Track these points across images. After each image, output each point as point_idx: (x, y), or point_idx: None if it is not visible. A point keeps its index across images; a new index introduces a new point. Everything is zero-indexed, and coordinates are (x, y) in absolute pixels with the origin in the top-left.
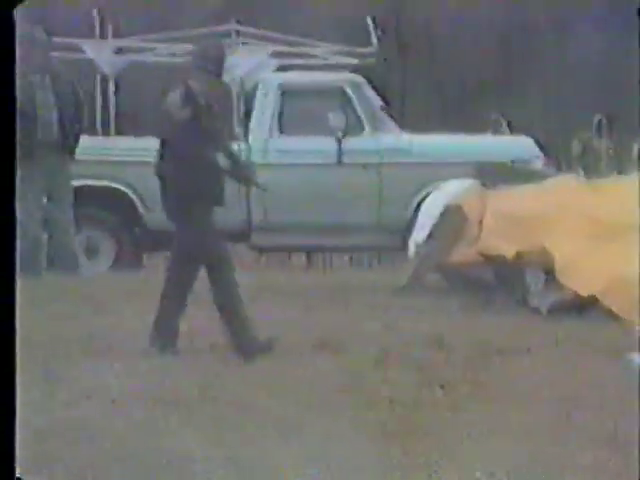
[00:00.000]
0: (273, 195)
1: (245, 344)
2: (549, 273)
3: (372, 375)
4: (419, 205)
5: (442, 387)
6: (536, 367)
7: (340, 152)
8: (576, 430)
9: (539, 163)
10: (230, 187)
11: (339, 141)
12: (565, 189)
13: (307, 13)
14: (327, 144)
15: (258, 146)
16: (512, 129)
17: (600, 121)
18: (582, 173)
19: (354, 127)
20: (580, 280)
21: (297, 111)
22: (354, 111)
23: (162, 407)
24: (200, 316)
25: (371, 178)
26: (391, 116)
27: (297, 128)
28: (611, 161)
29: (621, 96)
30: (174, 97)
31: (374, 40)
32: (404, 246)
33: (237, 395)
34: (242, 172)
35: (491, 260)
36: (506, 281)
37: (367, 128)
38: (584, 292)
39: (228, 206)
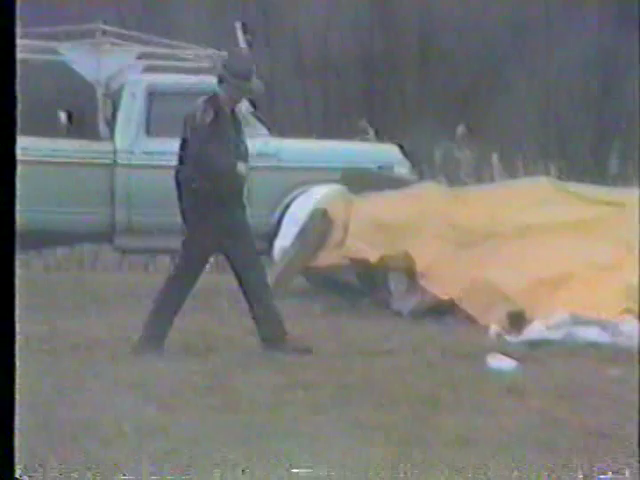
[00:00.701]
0: (137, 197)
1: (277, 337)
2: (411, 277)
3: (236, 377)
4: (285, 209)
5: (305, 389)
6: (397, 369)
7: None
8: (433, 429)
9: (404, 170)
10: (94, 188)
11: None
12: (428, 196)
13: (177, 15)
14: None
15: (124, 147)
16: (379, 136)
17: (462, 130)
18: (444, 181)
19: None
20: (440, 284)
21: (165, 113)
22: None
23: None
24: None
25: None
26: (260, 120)
27: (164, 130)
28: (471, 170)
29: (481, 107)
30: (198, 102)
31: (243, 45)
32: (270, 250)
33: (96, 395)
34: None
35: (355, 264)
36: (370, 285)
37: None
38: (444, 296)
39: (92, 207)
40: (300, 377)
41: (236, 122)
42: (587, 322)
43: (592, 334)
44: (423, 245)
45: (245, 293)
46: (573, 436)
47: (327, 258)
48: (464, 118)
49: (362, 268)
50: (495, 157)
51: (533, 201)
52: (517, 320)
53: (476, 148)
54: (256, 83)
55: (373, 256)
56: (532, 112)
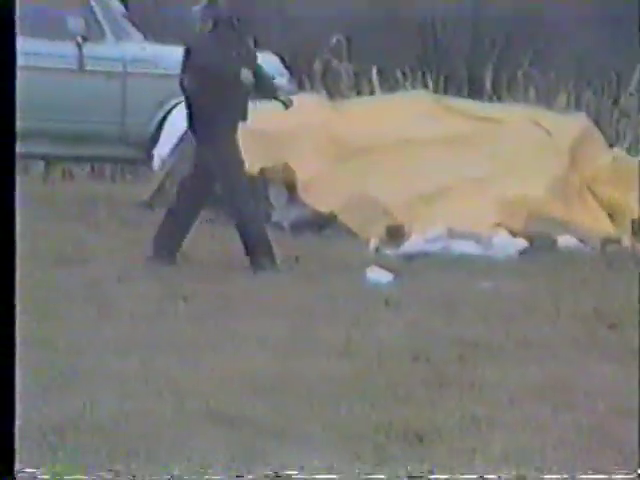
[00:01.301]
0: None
1: (261, 260)
2: (292, 190)
3: (114, 289)
4: (164, 118)
5: (185, 300)
6: (279, 281)
7: (81, 58)
8: (312, 341)
9: (283, 81)
10: None
11: (79, 46)
12: (308, 108)
13: None
14: (67, 48)
15: None
16: (258, 46)
17: (339, 41)
18: (324, 93)
19: (95, 33)
20: (320, 198)
21: (32, 12)
22: (94, 15)
23: None
24: None
25: (114, 87)
26: (134, 24)
27: (35, 30)
28: (351, 82)
29: (359, 19)
30: (197, 9)
31: None
32: (149, 159)
33: None
34: (266, 87)
35: None
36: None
37: (108, 35)
38: (324, 209)
39: None
40: (180, 289)
41: (237, 29)
42: (462, 235)
43: (467, 247)
44: (303, 158)
45: (234, 220)
46: (446, 346)
47: None
48: (340, 30)
49: None
50: (374, 70)
51: (412, 115)
52: (396, 234)
53: (354, 60)
54: None
55: (253, 168)
56: (411, 25)
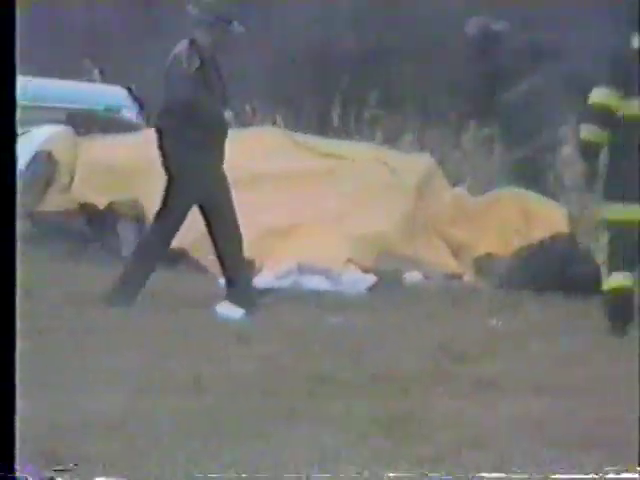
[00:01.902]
0: None
1: (241, 291)
2: (141, 224)
3: None
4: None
5: (40, 333)
6: (128, 315)
7: None
8: (163, 376)
9: (131, 113)
10: None
11: None
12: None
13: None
14: None
15: None
16: (105, 78)
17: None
18: None
19: None
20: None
21: None
22: None
23: None
24: None
25: None
26: None
27: None
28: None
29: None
30: (180, 49)
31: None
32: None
33: None
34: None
35: (84, 209)
36: (99, 231)
37: None
38: (175, 244)
39: None
40: (29, 324)
41: (217, 67)
42: (313, 271)
43: (317, 283)
44: (153, 193)
45: (217, 250)
46: (297, 381)
47: (53, 202)
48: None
49: (90, 214)
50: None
51: (263, 150)
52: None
53: None
54: (236, 25)
55: (101, 202)
56: (264, 63)
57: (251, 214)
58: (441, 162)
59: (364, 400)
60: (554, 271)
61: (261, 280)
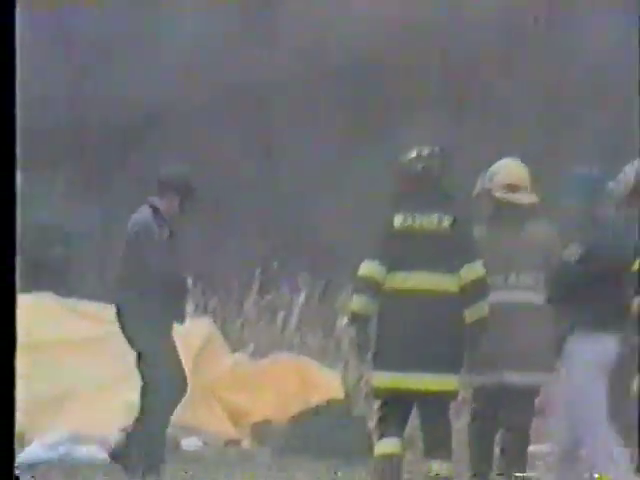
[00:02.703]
0: None
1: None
2: None
3: None
4: None
5: None
6: None
7: None
8: None
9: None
10: None
11: None
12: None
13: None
14: None
15: None
16: None
17: None
18: None
19: None
20: None
21: None
22: None
23: None
24: None
25: None
26: None
27: None
28: None
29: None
30: (145, 218)
31: None
32: None
33: None
34: None
35: None
36: None
37: None
38: None
39: None
40: None
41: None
42: (86, 439)
43: (90, 451)
44: None
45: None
46: None
47: None
48: None
49: None
50: None
51: (36, 317)
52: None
53: None
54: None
55: None
56: None
57: (25, 382)
58: (222, 328)
59: None
60: (329, 437)
61: (30, 452)
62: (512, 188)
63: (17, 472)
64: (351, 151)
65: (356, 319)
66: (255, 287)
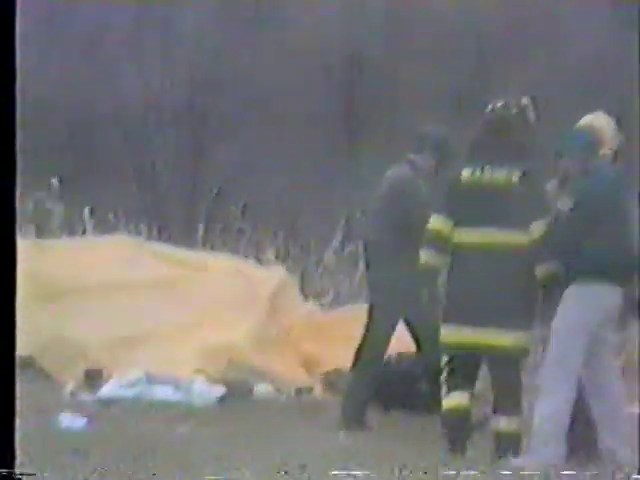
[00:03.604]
0: None
1: None
2: None
3: None
4: None
5: None
6: None
7: None
8: None
9: None
10: None
11: None
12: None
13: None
14: None
15: None
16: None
17: (53, 183)
18: (34, 231)
19: None
20: (20, 339)
21: None
22: None
23: None
24: None
25: None
26: None
27: None
28: (62, 221)
29: (75, 161)
30: (406, 173)
31: None
32: None
33: None
34: None
35: None
36: None
37: None
38: (23, 352)
39: None
40: None
41: None
42: (161, 381)
43: (165, 393)
44: None
45: None
46: None
47: None
48: (60, 170)
49: None
50: (87, 210)
51: (115, 258)
52: (94, 378)
53: (70, 200)
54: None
55: None
56: (127, 169)
57: (101, 322)
58: (303, 277)
59: None
60: (400, 388)
61: (107, 389)
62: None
63: (95, 408)
64: None
65: (425, 272)
66: (338, 237)
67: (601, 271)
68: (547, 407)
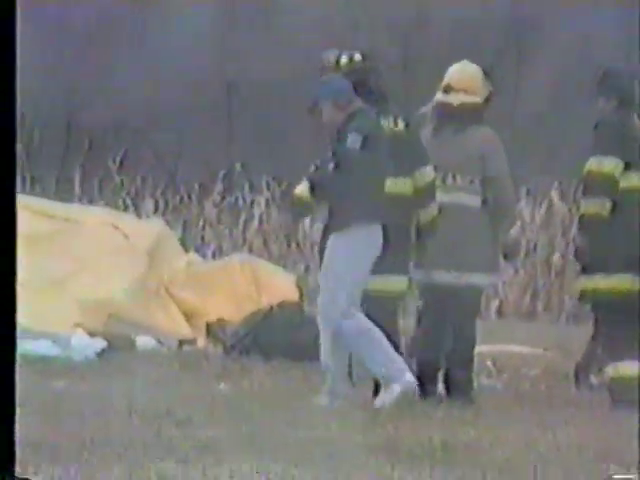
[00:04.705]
0: None
1: None
2: None
3: None
4: None
5: None
6: None
7: None
8: None
9: None
10: None
11: None
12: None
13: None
14: None
15: None
16: None
17: None
18: None
19: None
20: None
21: None
22: None
23: None
24: None
25: None
26: None
27: None
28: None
29: None
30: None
31: None
32: None
33: None
34: None
35: None
36: None
37: None
38: None
39: None
40: None
41: None
42: (38, 335)
43: (43, 347)
44: None
45: None
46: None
47: None
48: None
49: None
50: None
51: None
52: None
53: None
54: None
55: None
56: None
57: None
58: (184, 228)
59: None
60: (281, 337)
61: None
62: (447, 89)
63: None
64: None
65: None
66: (217, 189)
67: None
68: None
